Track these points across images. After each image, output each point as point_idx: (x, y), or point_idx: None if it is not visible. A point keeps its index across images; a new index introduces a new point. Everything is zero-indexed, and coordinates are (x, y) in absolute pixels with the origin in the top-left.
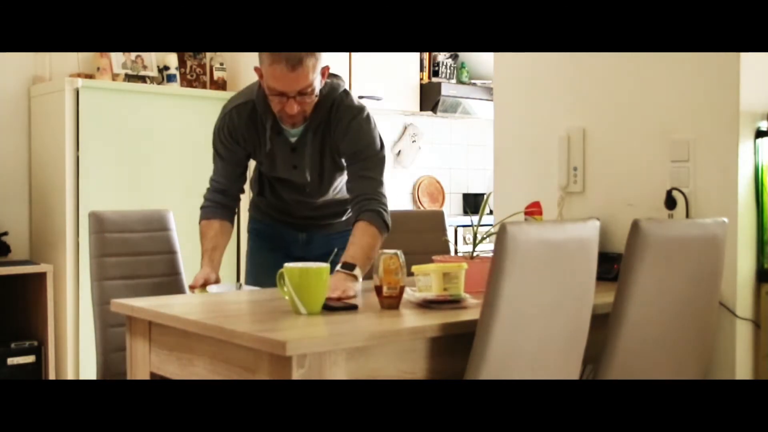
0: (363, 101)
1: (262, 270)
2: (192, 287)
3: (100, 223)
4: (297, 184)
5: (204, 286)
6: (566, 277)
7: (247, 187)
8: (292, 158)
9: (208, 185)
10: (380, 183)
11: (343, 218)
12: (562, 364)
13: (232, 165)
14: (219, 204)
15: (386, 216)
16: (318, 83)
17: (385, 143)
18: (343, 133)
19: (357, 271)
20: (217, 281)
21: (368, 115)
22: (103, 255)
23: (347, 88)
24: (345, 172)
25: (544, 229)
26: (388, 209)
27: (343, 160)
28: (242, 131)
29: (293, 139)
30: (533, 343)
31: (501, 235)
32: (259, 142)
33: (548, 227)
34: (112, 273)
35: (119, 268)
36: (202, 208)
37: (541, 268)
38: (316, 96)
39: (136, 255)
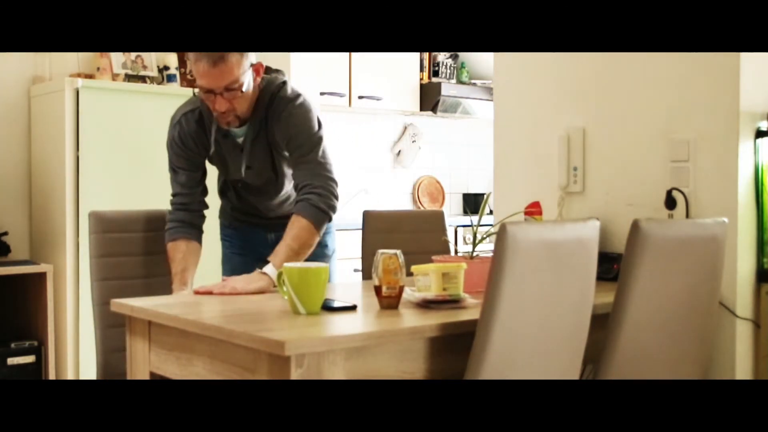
0: (363, 101)
1: (236, 275)
2: None
3: (100, 223)
4: (255, 187)
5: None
6: (566, 277)
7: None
8: (243, 159)
9: (169, 207)
10: (319, 164)
11: None
12: (563, 363)
13: (190, 171)
14: (183, 222)
15: (321, 202)
16: (247, 79)
17: (323, 124)
18: (275, 124)
19: (270, 269)
20: None
21: (303, 102)
22: (103, 255)
23: (286, 80)
24: None
25: (544, 229)
26: (332, 188)
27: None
28: (193, 137)
29: (240, 140)
30: (533, 343)
31: (501, 235)
32: (208, 147)
33: (548, 227)
34: (112, 273)
35: (119, 268)
36: (166, 230)
37: (541, 268)
38: (245, 92)
39: (136, 255)
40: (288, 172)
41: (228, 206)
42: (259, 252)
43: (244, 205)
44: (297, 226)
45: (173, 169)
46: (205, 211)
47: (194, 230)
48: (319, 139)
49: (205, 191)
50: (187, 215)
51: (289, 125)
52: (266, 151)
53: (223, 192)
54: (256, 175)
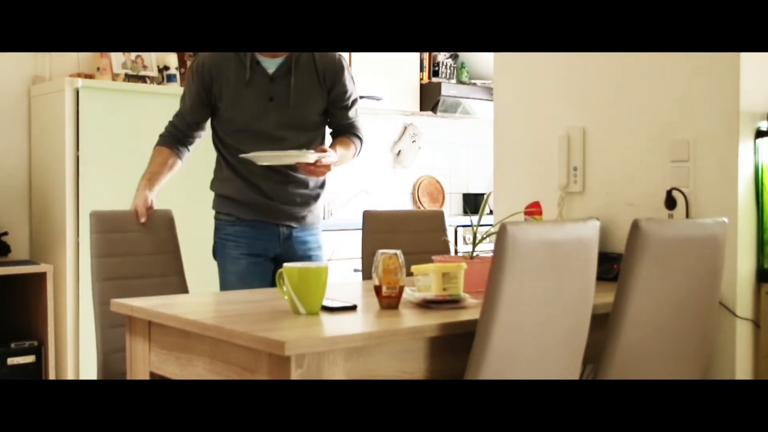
0: (363, 101)
1: (244, 279)
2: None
3: (101, 223)
4: (267, 133)
5: (149, 209)
6: (566, 277)
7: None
8: (270, 90)
9: (171, 119)
10: (353, 125)
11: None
12: (563, 363)
13: (197, 103)
14: (176, 138)
15: (358, 141)
16: None
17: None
18: (334, 73)
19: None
20: (152, 207)
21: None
22: (104, 255)
23: None
24: (321, 127)
25: (544, 229)
26: (361, 141)
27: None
28: (213, 67)
29: (271, 71)
30: (533, 343)
31: (501, 235)
32: (229, 79)
33: (548, 227)
34: (112, 273)
35: (120, 268)
36: (160, 136)
37: (542, 268)
38: None
39: (136, 255)
40: (305, 118)
41: (234, 189)
42: (266, 251)
43: (251, 175)
44: (345, 141)
45: (186, 92)
46: (197, 141)
47: (183, 148)
48: (357, 98)
49: (203, 127)
50: (181, 134)
51: (348, 83)
52: (304, 85)
53: (226, 165)
54: (275, 110)
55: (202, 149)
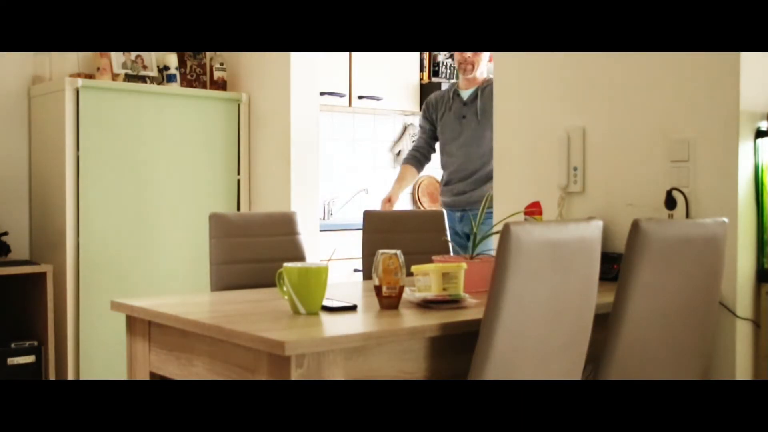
0: (363, 101)
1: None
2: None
3: (221, 227)
4: (461, 140)
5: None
6: (570, 276)
7: None
8: (463, 110)
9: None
10: None
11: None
12: (566, 363)
13: (426, 137)
14: (414, 157)
15: None
16: (481, 62)
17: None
18: (489, 97)
19: None
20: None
21: None
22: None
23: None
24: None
25: (547, 229)
26: None
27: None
28: (433, 103)
29: (465, 98)
30: (536, 343)
31: (505, 235)
32: (444, 109)
33: (551, 227)
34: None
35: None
36: (404, 158)
37: (545, 267)
38: (481, 61)
39: (259, 261)
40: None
41: (445, 195)
42: (454, 228)
43: (453, 165)
44: None
45: (420, 127)
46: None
47: (418, 163)
48: None
49: (432, 151)
50: (418, 154)
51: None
52: (482, 107)
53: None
54: (467, 123)
55: (204, 147)
